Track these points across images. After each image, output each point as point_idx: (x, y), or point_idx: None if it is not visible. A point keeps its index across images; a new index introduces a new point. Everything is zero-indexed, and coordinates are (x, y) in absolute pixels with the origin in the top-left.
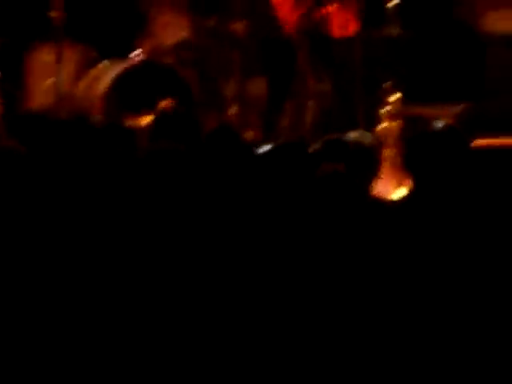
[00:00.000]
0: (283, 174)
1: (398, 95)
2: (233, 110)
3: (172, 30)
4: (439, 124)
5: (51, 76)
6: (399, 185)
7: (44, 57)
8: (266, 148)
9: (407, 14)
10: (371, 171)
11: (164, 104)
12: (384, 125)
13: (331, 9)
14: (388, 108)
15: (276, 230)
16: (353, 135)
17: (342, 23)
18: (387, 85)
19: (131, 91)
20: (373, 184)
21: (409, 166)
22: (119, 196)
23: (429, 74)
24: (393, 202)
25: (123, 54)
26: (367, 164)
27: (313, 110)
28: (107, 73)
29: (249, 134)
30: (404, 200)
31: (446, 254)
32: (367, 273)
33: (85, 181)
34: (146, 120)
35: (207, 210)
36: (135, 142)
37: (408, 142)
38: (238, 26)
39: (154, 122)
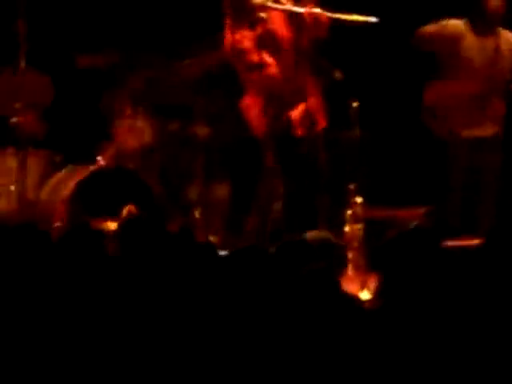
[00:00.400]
0: (244, 276)
1: (361, 198)
2: (196, 214)
3: (135, 134)
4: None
5: (15, 181)
6: (363, 286)
7: (8, 162)
8: (227, 251)
9: (370, 116)
10: (338, 270)
11: (128, 209)
12: (348, 227)
13: (298, 111)
14: (351, 210)
15: (240, 331)
16: (313, 234)
17: (308, 125)
18: (351, 187)
19: (95, 196)
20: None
21: (379, 268)
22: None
23: (391, 177)
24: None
25: (87, 159)
26: (334, 263)
27: (277, 211)
28: (71, 177)
29: (212, 238)
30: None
31: (418, 351)
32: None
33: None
34: (112, 225)
35: (170, 312)
36: (104, 244)
37: (379, 244)
38: (201, 130)
39: (120, 226)
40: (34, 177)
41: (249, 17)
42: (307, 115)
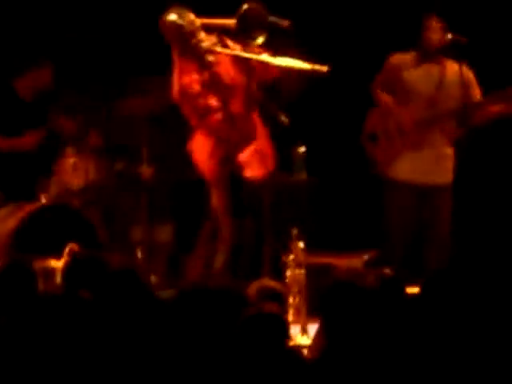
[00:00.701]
0: (186, 319)
1: (303, 243)
2: (139, 255)
3: (79, 173)
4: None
5: None
6: (304, 331)
7: None
8: (168, 293)
9: (314, 161)
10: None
11: (70, 247)
12: (289, 272)
13: (246, 154)
14: (293, 255)
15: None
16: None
17: (256, 167)
18: (293, 232)
19: (38, 234)
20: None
21: (320, 313)
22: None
23: (335, 221)
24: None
25: (30, 197)
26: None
27: (223, 254)
28: (13, 215)
29: (153, 279)
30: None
31: None
32: None
33: None
34: (55, 263)
35: (111, 355)
36: (35, 284)
37: (320, 290)
38: (146, 170)
39: (63, 264)
40: None
41: (197, 60)
42: (255, 158)
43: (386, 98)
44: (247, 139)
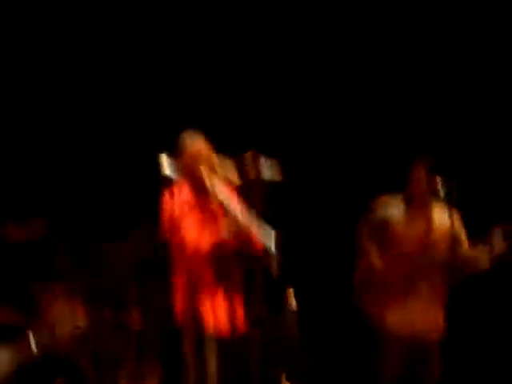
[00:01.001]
0: None
1: None
2: None
3: (67, 319)
4: None
5: None
6: None
7: None
8: None
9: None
10: None
11: None
12: None
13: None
14: None
15: None
16: None
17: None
18: (281, 375)
19: (26, 380)
20: None
21: None
22: None
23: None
24: None
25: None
26: None
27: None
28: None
29: None
30: None
31: None
32: None
33: None
34: None
35: None
36: None
37: None
38: (133, 316)
39: None
40: None
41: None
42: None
43: (372, 256)
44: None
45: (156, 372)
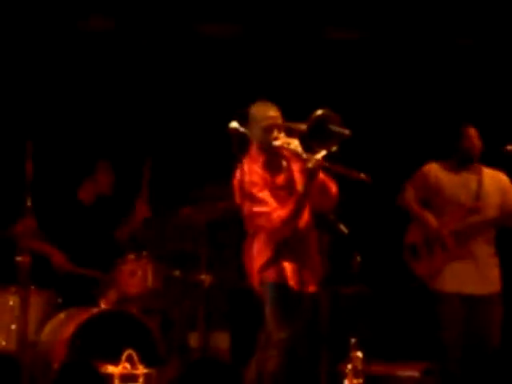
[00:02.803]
0: None
1: (361, 352)
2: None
3: (138, 279)
4: None
5: (15, 320)
6: None
7: (10, 300)
8: None
9: (371, 271)
10: None
11: (128, 353)
12: (347, 382)
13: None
14: (351, 365)
15: None
16: None
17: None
18: (352, 341)
19: (95, 339)
20: None
21: None
22: None
23: (392, 331)
24: None
25: (89, 302)
26: None
27: (275, 358)
28: (72, 320)
29: None
30: None
31: None
32: None
33: None
34: (113, 368)
35: None
36: None
37: None
38: (204, 278)
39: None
40: (35, 317)
41: (270, 162)
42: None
43: (425, 214)
44: (306, 253)
45: (225, 335)
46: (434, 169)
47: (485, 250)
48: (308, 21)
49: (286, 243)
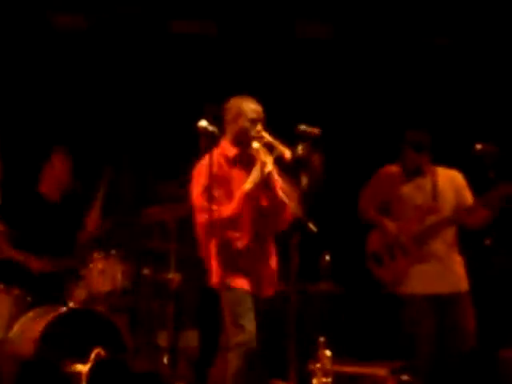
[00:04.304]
0: None
1: (330, 351)
2: (164, 360)
3: (106, 277)
4: None
5: None
6: None
7: None
8: None
9: (341, 269)
10: None
11: (96, 352)
12: (315, 380)
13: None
14: (320, 363)
15: None
16: None
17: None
18: (320, 340)
19: (64, 337)
20: None
21: None
22: None
23: (361, 330)
24: None
25: (57, 300)
26: None
27: (233, 362)
28: (40, 318)
29: None
30: None
31: None
32: None
33: None
34: (81, 367)
35: None
36: None
37: None
38: (173, 277)
39: (89, 368)
40: (3, 315)
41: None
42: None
43: (383, 220)
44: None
45: (194, 333)
46: (390, 172)
47: (447, 250)
48: (281, 16)
49: (240, 252)
